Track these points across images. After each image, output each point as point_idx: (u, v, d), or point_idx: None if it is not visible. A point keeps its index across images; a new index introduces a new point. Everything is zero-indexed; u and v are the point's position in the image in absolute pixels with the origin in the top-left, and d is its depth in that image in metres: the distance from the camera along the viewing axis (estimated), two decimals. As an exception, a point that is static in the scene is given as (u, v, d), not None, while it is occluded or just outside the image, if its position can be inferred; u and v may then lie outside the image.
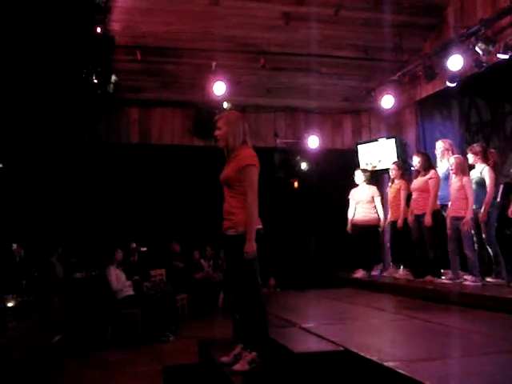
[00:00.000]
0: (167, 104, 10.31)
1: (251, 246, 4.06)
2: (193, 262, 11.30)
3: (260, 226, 4.26)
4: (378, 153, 10.61)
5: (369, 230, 8.93)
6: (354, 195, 9.11)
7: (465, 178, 7.13)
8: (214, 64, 9.27)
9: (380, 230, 9.12)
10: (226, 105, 9.56)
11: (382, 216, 8.91)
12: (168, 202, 11.55)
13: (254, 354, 4.19)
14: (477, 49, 7.74)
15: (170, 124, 10.45)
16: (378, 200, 8.95)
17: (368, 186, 9.09)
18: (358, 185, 9.14)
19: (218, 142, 4.42)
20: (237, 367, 4.20)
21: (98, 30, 7.32)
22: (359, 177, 9.12)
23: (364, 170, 9.26)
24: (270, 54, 9.33)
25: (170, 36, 8.78)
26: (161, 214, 11.42)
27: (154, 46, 8.93)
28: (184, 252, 11.13)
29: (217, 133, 4.41)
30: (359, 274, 8.96)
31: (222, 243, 4.38)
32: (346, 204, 9.19)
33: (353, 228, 9.06)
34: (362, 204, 9.00)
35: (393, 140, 10.43)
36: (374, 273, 9.20)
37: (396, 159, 9.91)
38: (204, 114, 9.77)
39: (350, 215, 9.11)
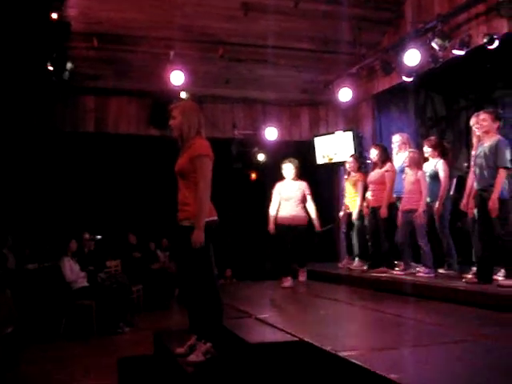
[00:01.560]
0: (124, 93, 10.16)
1: (199, 236, 4.04)
2: (149, 253, 11.23)
3: (215, 218, 4.24)
4: (335, 145, 10.68)
5: (296, 230, 7.79)
6: (281, 190, 7.95)
7: (419, 172, 7.25)
8: (171, 53, 9.17)
9: (319, 231, 8.11)
10: (183, 95, 9.48)
11: (314, 215, 7.92)
12: (124, 192, 11.43)
13: (208, 344, 4.18)
14: (433, 44, 7.84)
15: (127, 113, 10.31)
16: (309, 198, 7.93)
17: (298, 181, 7.99)
18: (284, 178, 8.01)
19: (172, 131, 4.38)
20: (191, 358, 4.18)
21: (54, 15, 7.16)
22: (289, 170, 7.97)
23: (294, 163, 7.98)
24: (228, 44, 9.28)
25: (127, 23, 8.65)
26: (116, 204, 11.29)
27: (111, 33, 8.77)
28: (140, 243, 11.04)
29: (171, 122, 4.37)
30: (287, 282, 7.69)
31: (177, 234, 4.34)
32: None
33: (277, 228, 7.85)
34: (291, 201, 7.87)
35: (350, 133, 10.52)
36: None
37: (353, 152, 10.00)
38: (160, 104, 9.67)
39: (272, 212, 7.91)
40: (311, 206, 7.92)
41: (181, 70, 9.15)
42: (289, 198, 7.86)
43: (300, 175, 8.01)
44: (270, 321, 5.01)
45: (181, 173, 4.30)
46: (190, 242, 4.07)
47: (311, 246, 8.36)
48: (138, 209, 11.38)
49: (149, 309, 10.01)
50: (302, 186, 7.94)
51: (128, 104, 10.32)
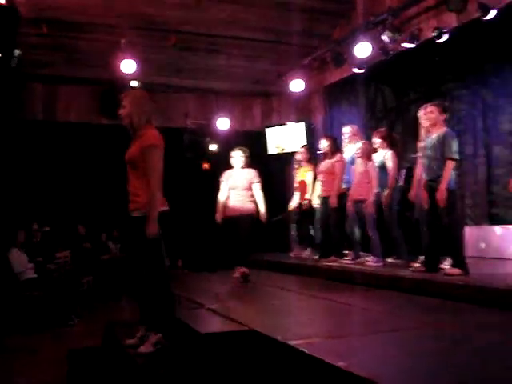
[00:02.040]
0: (74, 81, 10.00)
1: (153, 228, 4.02)
2: (100, 244, 11.09)
3: (165, 208, 4.23)
4: (287, 136, 10.74)
5: (242, 221, 7.29)
6: (229, 179, 7.52)
7: (369, 163, 7.37)
8: (123, 41, 9.04)
9: (272, 220, 7.93)
10: (134, 83, 9.36)
11: (261, 206, 7.39)
12: (74, 182, 11.22)
13: (159, 335, 4.17)
14: (384, 37, 7.96)
15: (77, 101, 10.15)
16: (257, 186, 7.42)
17: (247, 169, 7.51)
18: (233, 167, 7.59)
19: (122, 120, 4.33)
20: (141, 349, 4.17)
21: (1, 0, 6.96)
22: (237, 158, 7.53)
23: (244, 151, 7.56)
24: (180, 33, 9.21)
25: (77, 10, 8.48)
26: (67, 195, 11.09)
27: (61, 19, 8.60)
28: (91, 234, 10.88)
29: (121, 111, 4.32)
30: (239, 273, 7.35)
31: (128, 225, 4.31)
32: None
33: (224, 218, 7.43)
34: (238, 190, 7.41)
35: (302, 124, 10.59)
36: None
37: (305, 143, 10.07)
38: (111, 93, 9.54)
39: (220, 201, 7.50)
40: (258, 196, 7.40)
41: (132, 58, 9.05)
42: (235, 187, 7.43)
43: (251, 164, 7.61)
44: (220, 311, 5.02)
45: (131, 162, 4.26)
46: (141, 233, 4.04)
47: (257, 238, 7.69)
48: (89, 199, 11.20)
49: (99, 300, 9.90)
50: (250, 175, 7.45)
51: (78, 92, 10.16)
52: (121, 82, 9.17)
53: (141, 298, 4.38)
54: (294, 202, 9.05)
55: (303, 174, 8.78)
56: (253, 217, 7.35)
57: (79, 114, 10.15)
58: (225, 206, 7.43)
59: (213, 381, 3.81)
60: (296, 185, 9.00)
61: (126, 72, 9.08)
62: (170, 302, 4.25)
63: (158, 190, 4.13)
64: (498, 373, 2.97)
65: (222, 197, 7.50)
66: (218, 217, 7.44)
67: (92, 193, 11.18)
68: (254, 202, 7.42)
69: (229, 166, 7.53)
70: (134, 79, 9.40)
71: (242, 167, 7.51)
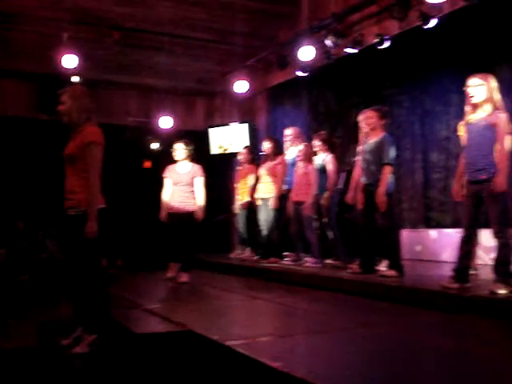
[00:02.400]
0: (12, 74, 9.70)
1: (92, 226, 3.96)
2: (36, 242, 10.83)
3: (102, 206, 4.16)
4: (230, 137, 10.75)
5: (185, 220, 7.00)
6: (171, 174, 7.21)
7: (310, 166, 7.46)
8: (65, 36, 8.84)
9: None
10: (76, 79, 9.17)
11: (201, 202, 7.07)
12: (10, 178, 10.91)
13: (94, 336, 4.10)
14: (327, 41, 8.05)
15: (15, 95, 9.86)
16: (199, 181, 7.09)
17: (191, 164, 7.21)
18: (176, 162, 7.26)
19: (61, 117, 4.24)
20: (76, 350, 4.09)
21: None
22: (179, 151, 7.21)
23: (186, 143, 7.26)
24: (124, 29, 9.06)
25: (17, 2, 8.25)
26: (4, 190, 10.78)
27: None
28: (28, 231, 10.61)
29: (60, 107, 4.23)
30: (172, 273, 7.16)
31: (64, 222, 4.22)
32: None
33: (168, 215, 7.11)
34: (181, 186, 7.10)
35: (245, 125, 10.61)
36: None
37: (248, 144, 10.09)
38: (50, 88, 9.30)
39: (165, 198, 7.17)
40: (199, 192, 7.07)
41: (74, 53, 8.86)
42: (178, 182, 7.10)
43: (195, 159, 7.32)
44: (158, 311, 4.99)
45: (69, 159, 4.17)
46: (76, 231, 3.97)
47: (200, 237, 7.55)
48: (26, 195, 10.91)
49: (36, 299, 9.65)
50: (193, 169, 7.13)
51: (17, 86, 9.87)
52: (61, 77, 8.96)
53: (76, 297, 4.29)
54: (235, 203, 9.04)
55: (245, 174, 8.79)
56: (195, 215, 7.08)
57: (16, 109, 9.87)
58: (168, 203, 7.13)
59: (148, 381, 3.78)
60: (237, 185, 9.00)
61: (67, 67, 8.88)
62: (106, 302, 4.19)
63: (96, 187, 4.06)
64: (430, 370, 3.05)
65: (165, 193, 7.19)
66: (163, 214, 7.12)
67: (29, 189, 10.91)
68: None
69: (170, 165, 7.40)
70: (75, 74, 9.20)
71: (184, 160, 7.18)
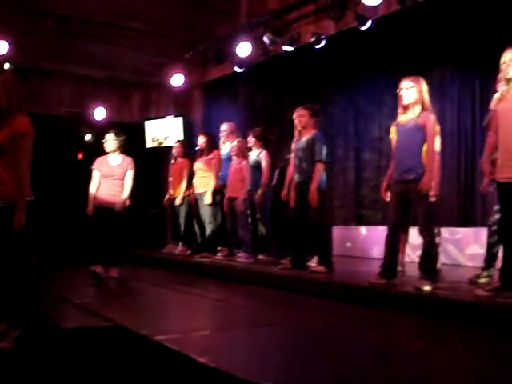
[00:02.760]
0: None
1: (20, 218, 3.86)
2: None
3: (31, 198, 4.06)
4: (165, 130, 10.66)
5: (114, 214, 6.67)
6: (100, 166, 6.80)
7: (244, 162, 7.50)
8: (-5, 21, 8.55)
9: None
10: (6, 66, 8.89)
11: (125, 195, 6.73)
12: None
13: (19, 331, 4.00)
14: (264, 38, 8.11)
15: None
16: (129, 175, 6.77)
17: (122, 156, 6.85)
18: (107, 153, 6.87)
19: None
20: (1, 345, 3.98)
21: None
22: (110, 142, 6.82)
23: (117, 134, 6.89)
24: (58, 16, 8.85)
25: None
26: None
27: None
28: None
29: (-12, 96, 4.10)
30: (98, 268, 6.61)
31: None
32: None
33: (95, 210, 6.70)
34: (111, 180, 6.74)
35: (180, 118, 10.55)
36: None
37: (182, 137, 10.04)
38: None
39: (92, 191, 6.75)
40: (127, 183, 6.75)
41: (5, 39, 8.58)
42: (107, 175, 6.74)
43: (126, 152, 6.95)
44: (87, 306, 4.91)
45: (-2, 149, 4.06)
46: (4, 223, 3.86)
47: (131, 231, 7.36)
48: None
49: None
50: (125, 162, 6.81)
51: None
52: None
53: (1, 292, 4.18)
54: (167, 197, 8.98)
55: (178, 169, 8.75)
56: (126, 208, 6.82)
57: None
58: (96, 197, 6.74)
59: (75, 377, 3.72)
60: (171, 180, 8.94)
61: (-3, 53, 8.60)
62: (33, 296, 4.10)
63: (26, 179, 3.97)
64: (356, 363, 3.12)
65: (93, 186, 6.79)
66: (89, 208, 6.73)
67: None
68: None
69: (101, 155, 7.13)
70: (6, 61, 8.92)
71: (115, 152, 6.82)
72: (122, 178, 6.78)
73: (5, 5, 8.37)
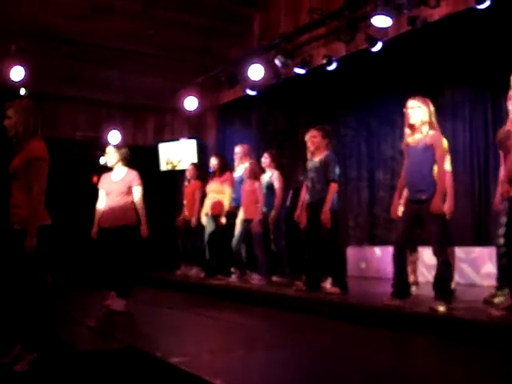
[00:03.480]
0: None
1: (31, 241, 3.91)
2: None
3: (47, 222, 4.12)
4: (179, 153, 10.76)
5: (119, 234, 5.97)
6: (104, 183, 6.25)
7: (256, 183, 7.52)
8: (13, 47, 8.71)
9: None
10: (22, 91, 9.03)
11: (142, 215, 6.14)
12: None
13: (35, 354, 4.04)
14: (276, 61, 8.18)
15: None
16: (138, 191, 6.11)
17: (126, 169, 6.22)
18: (111, 169, 6.31)
19: (7, 131, 4.19)
20: (17, 368, 4.01)
21: None
22: (110, 156, 6.27)
23: (119, 148, 6.39)
24: (74, 43, 9.00)
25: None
26: None
27: None
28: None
29: (6, 122, 4.17)
30: (113, 302, 6.01)
31: (8, 238, 4.16)
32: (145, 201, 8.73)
33: (99, 232, 6.18)
34: (114, 196, 6.10)
35: (194, 141, 10.65)
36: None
37: (196, 160, 10.11)
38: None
39: (97, 211, 6.23)
40: (139, 203, 6.13)
41: (22, 65, 8.73)
42: (109, 192, 6.15)
43: (130, 165, 6.32)
44: (102, 329, 4.95)
45: (14, 174, 4.13)
46: (20, 247, 3.91)
47: (138, 256, 6.59)
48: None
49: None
50: (129, 176, 6.15)
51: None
52: (8, 89, 8.81)
53: (17, 315, 4.22)
54: (182, 219, 9.01)
55: (192, 191, 8.80)
56: (132, 229, 6.09)
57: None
58: (100, 217, 6.21)
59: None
60: (185, 202, 8.99)
61: (15, 79, 8.74)
62: (49, 319, 4.14)
63: (39, 203, 4.02)
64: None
65: (99, 206, 6.26)
66: (93, 231, 6.21)
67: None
68: (134, 209, 6.12)
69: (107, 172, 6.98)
70: (22, 87, 9.06)
71: (118, 166, 6.25)
72: (126, 194, 6.11)
73: (20, 31, 8.55)
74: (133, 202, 6.13)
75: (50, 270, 4.16)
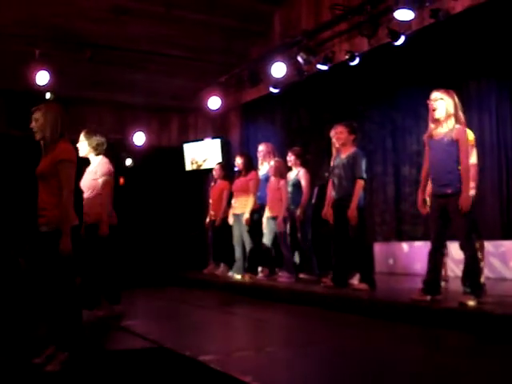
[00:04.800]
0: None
1: (66, 244, 3.96)
2: (8, 260, 10.69)
3: (76, 223, 4.17)
4: (204, 152, 10.81)
5: (87, 235, 5.40)
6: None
7: (281, 182, 7.51)
8: (37, 52, 8.83)
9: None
10: (48, 96, 9.14)
11: (103, 210, 5.42)
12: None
13: (66, 353, 4.09)
14: (299, 58, 8.16)
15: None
16: (101, 181, 5.47)
17: (99, 159, 5.68)
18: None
19: (34, 134, 4.25)
20: (49, 368, 4.07)
21: None
22: (82, 145, 5.65)
23: (89, 135, 5.70)
24: (97, 47, 9.08)
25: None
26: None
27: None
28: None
29: (33, 125, 4.24)
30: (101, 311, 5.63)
31: (36, 240, 4.22)
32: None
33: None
34: (85, 190, 5.53)
35: (218, 140, 10.69)
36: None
37: (220, 159, 10.15)
38: (24, 105, 9.25)
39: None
40: (101, 197, 5.40)
41: (46, 70, 8.84)
42: (83, 186, 5.55)
43: (108, 154, 5.82)
44: (133, 328, 4.98)
45: (42, 176, 4.18)
46: (48, 248, 3.97)
47: (118, 257, 5.98)
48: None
49: (7, 318, 9.52)
50: (99, 167, 5.50)
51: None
52: (34, 94, 8.94)
53: (49, 315, 4.28)
54: (208, 219, 9.05)
55: (218, 190, 8.83)
56: (96, 228, 5.45)
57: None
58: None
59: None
60: (211, 201, 9.03)
61: (40, 84, 8.86)
62: (79, 320, 4.18)
63: (70, 205, 4.07)
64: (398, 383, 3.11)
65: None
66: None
67: (1, 206, 10.80)
68: (101, 204, 5.44)
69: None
70: (47, 91, 9.18)
71: (89, 155, 5.67)
72: (91, 187, 5.52)
73: (45, 36, 8.65)
74: (100, 196, 5.53)
75: (79, 270, 4.19)
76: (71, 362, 4.10)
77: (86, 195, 5.45)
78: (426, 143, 5.26)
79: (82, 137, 5.71)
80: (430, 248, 5.11)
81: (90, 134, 5.71)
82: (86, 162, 5.69)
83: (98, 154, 5.74)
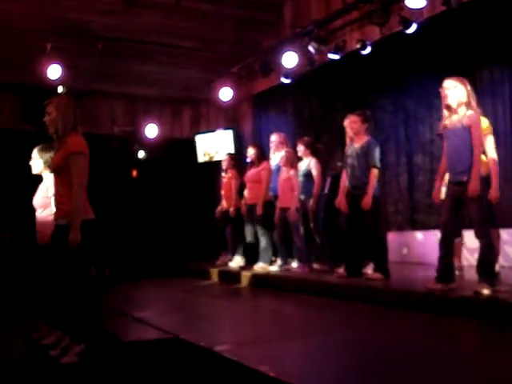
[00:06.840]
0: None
1: (75, 236, 3.97)
2: (23, 253, 10.77)
3: (91, 216, 4.18)
4: (216, 143, 10.80)
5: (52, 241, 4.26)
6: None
7: (292, 171, 7.48)
8: (48, 46, 8.85)
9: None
10: (60, 89, 9.17)
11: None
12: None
13: (82, 345, 4.11)
14: (310, 48, 8.13)
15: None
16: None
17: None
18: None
19: (47, 128, 4.27)
20: (65, 360, 4.10)
21: None
22: (35, 163, 5.20)
23: (43, 150, 5.07)
24: (108, 39, 9.08)
25: (1, 14, 8.26)
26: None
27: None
28: (14, 242, 10.55)
29: (46, 119, 4.25)
30: None
31: (53, 233, 4.24)
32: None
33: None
34: (39, 211, 4.98)
35: (230, 131, 10.67)
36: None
37: (233, 150, 10.14)
38: (36, 99, 9.29)
39: None
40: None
41: (58, 63, 8.86)
42: (35, 204, 5.12)
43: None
44: (147, 320, 5.01)
45: (56, 170, 4.21)
46: (65, 241, 3.99)
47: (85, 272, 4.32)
48: (13, 206, 10.87)
49: (22, 311, 9.61)
50: (51, 185, 4.58)
51: (0, 98, 9.85)
52: (46, 88, 8.96)
53: (65, 307, 4.31)
54: (220, 210, 9.04)
55: (229, 181, 8.82)
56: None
57: (1, 120, 9.84)
58: None
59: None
60: (223, 192, 9.02)
61: (52, 77, 8.88)
62: (94, 311, 4.21)
63: (81, 198, 4.08)
64: (418, 371, 3.10)
65: None
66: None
67: (16, 200, 10.87)
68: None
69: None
70: (59, 85, 9.21)
71: (43, 172, 5.12)
72: (45, 207, 4.91)
73: (56, 30, 8.67)
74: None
75: (94, 262, 4.21)
76: (87, 353, 4.13)
77: (37, 213, 5.03)
78: (443, 133, 5.22)
79: (35, 153, 5.21)
80: (441, 235, 5.09)
81: (44, 151, 5.12)
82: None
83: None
